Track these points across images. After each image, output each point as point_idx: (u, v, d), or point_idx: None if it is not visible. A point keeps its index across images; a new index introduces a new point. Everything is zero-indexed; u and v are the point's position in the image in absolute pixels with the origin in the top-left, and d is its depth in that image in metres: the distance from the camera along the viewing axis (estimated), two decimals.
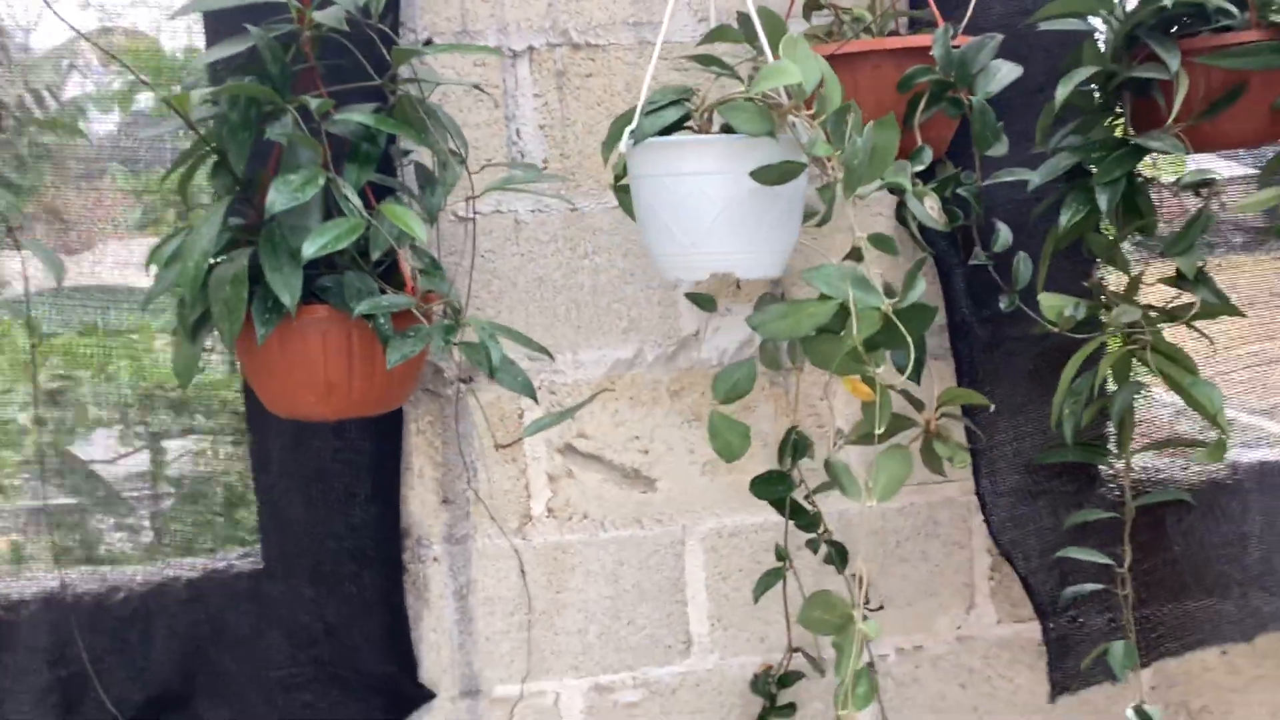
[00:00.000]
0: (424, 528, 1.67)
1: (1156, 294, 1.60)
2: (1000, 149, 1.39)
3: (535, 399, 1.43)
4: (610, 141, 1.32)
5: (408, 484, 1.66)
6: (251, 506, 1.72)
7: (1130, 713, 1.54)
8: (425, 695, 1.67)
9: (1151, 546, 1.70)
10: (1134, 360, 1.53)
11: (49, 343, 3.81)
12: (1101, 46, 1.47)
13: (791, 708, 1.73)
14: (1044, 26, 1.48)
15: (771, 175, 1.17)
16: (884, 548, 1.78)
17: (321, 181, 1.30)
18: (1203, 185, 1.48)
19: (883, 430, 1.23)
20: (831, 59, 1.32)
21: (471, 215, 1.61)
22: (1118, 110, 1.48)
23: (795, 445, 1.59)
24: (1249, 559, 1.73)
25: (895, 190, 1.30)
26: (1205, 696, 1.86)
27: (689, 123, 1.27)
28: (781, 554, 1.65)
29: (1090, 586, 1.59)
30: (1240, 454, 1.80)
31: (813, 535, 1.63)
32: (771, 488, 1.58)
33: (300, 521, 1.62)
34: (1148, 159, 1.49)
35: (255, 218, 1.39)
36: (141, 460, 2.12)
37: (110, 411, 3.67)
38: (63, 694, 1.59)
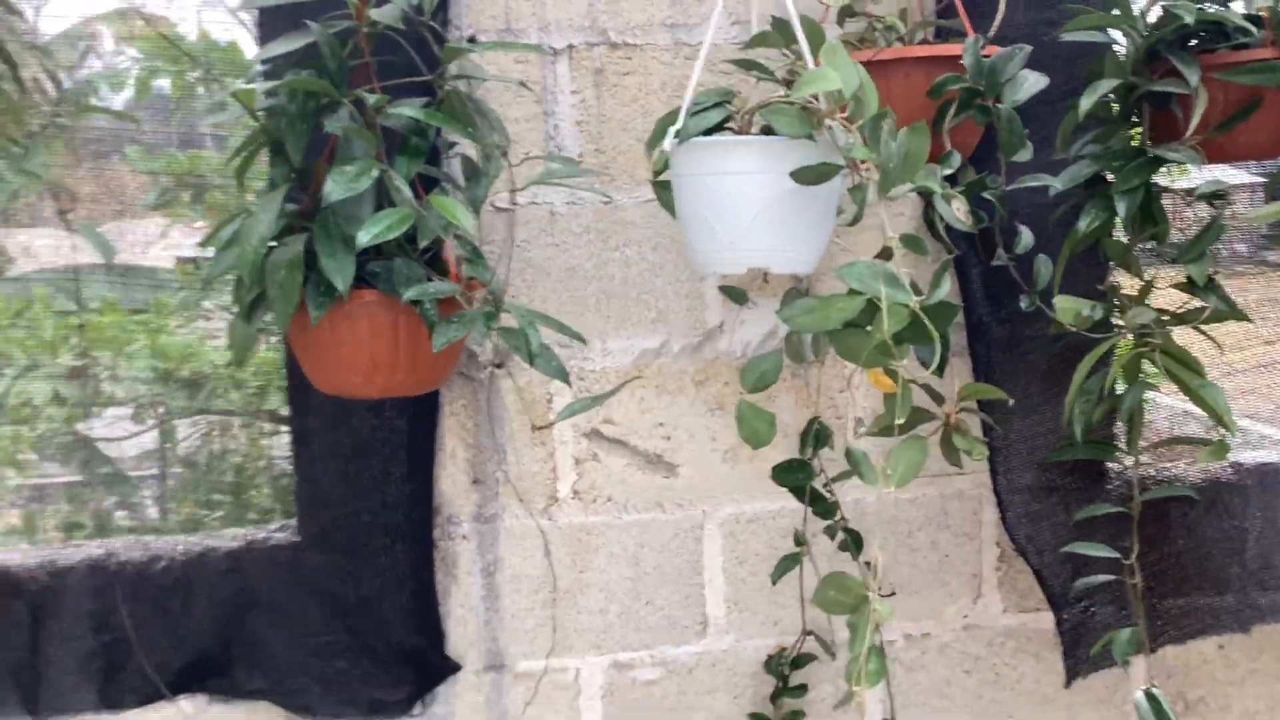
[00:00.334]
0: (454, 506, 1.74)
1: (1167, 299, 1.67)
2: (1025, 155, 1.46)
3: (569, 384, 1.49)
4: (654, 140, 1.38)
5: (440, 464, 1.73)
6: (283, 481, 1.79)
7: (1140, 695, 1.62)
8: (452, 667, 1.74)
9: (1157, 541, 1.77)
10: (1144, 362, 1.60)
11: (67, 321, 3.88)
12: (1122, 58, 1.54)
13: (803, 688, 1.80)
14: (1068, 38, 1.54)
15: (810, 176, 1.24)
16: (896, 537, 1.85)
17: (375, 173, 1.36)
18: (1216, 196, 1.55)
19: (903, 422, 1.30)
20: (865, 65, 1.38)
21: (510, 207, 1.68)
22: (1136, 121, 1.54)
23: (817, 435, 1.66)
24: (1248, 555, 1.80)
25: (924, 192, 1.36)
26: (1203, 688, 1.93)
27: (730, 124, 1.33)
28: (800, 539, 1.71)
29: (1101, 578, 1.66)
30: (1243, 455, 1.88)
31: (830, 522, 1.70)
32: (793, 475, 1.65)
33: (337, 497, 1.69)
34: (1162, 168, 1.56)
35: (310, 205, 1.45)
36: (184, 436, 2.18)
37: (132, 389, 3.74)
38: (105, 659, 1.66)
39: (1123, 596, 1.72)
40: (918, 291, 1.26)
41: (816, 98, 1.25)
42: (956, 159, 1.43)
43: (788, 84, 1.38)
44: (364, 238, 1.33)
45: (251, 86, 1.38)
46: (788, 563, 1.71)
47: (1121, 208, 1.50)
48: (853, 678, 1.35)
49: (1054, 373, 1.75)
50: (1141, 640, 1.61)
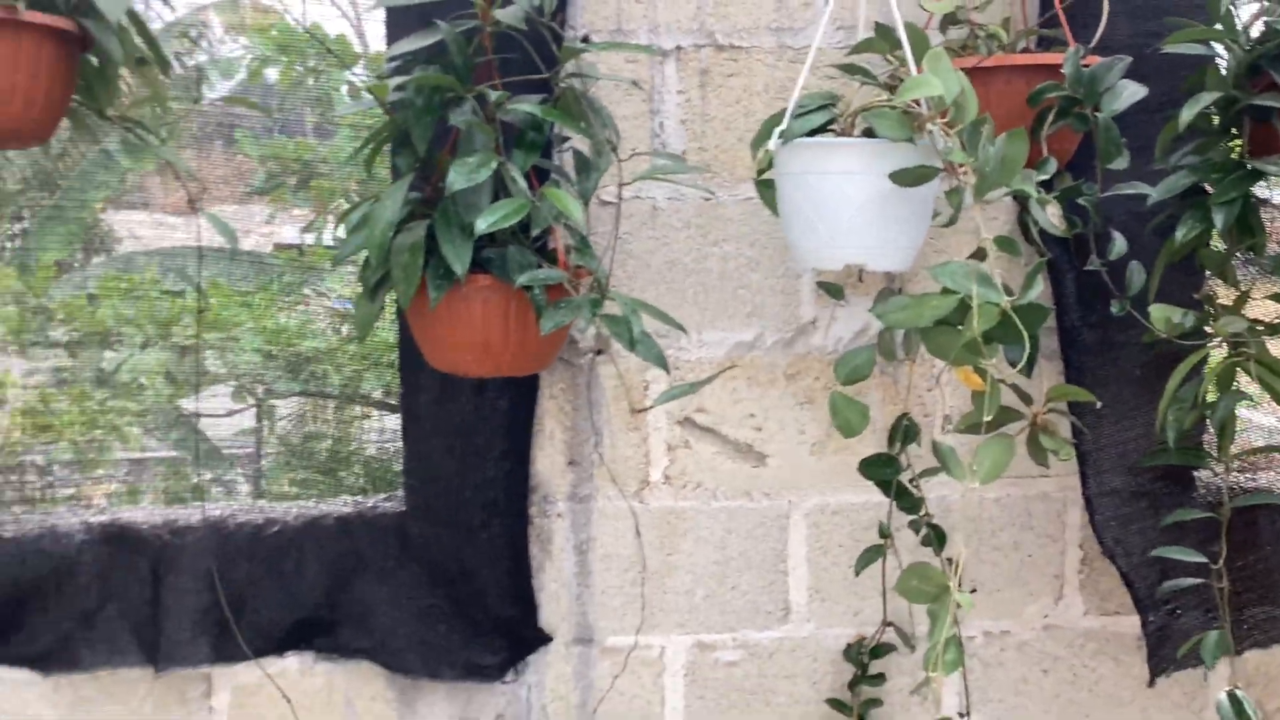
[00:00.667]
0: (551, 486, 1.84)
1: (1263, 309, 1.70)
2: (1121, 163, 1.50)
3: (668, 370, 1.58)
4: (759, 139, 1.46)
5: (538, 444, 1.83)
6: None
7: (1223, 696, 1.65)
8: (543, 639, 1.84)
9: (1244, 547, 1.80)
10: (1237, 370, 1.63)
11: (178, 301, 4.06)
12: (1223, 72, 1.57)
13: (881, 678, 1.87)
14: (1170, 49, 1.58)
15: (909, 178, 1.30)
16: (979, 535, 1.90)
17: (494, 165, 1.46)
18: None
19: (991, 419, 1.36)
20: (967, 71, 1.45)
21: (615, 200, 1.77)
22: (1235, 133, 1.58)
23: (905, 431, 1.72)
24: None
25: (1019, 196, 1.42)
26: None
27: (833, 126, 1.40)
28: (884, 532, 1.78)
29: (1189, 581, 1.70)
30: None
31: (914, 517, 1.75)
32: (880, 469, 1.71)
33: (441, 471, 1.80)
34: (1261, 181, 1.59)
35: (431, 193, 1.56)
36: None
37: (236, 369, 3.90)
38: (220, 615, 1.78)
39: (1208, 601, 1.75)
40: (1009, 293, 1.31)
41: (918, 102, 1.32)
42: (1053, 165, 1.48)
43: (890, 88, 1.44)
44: (482, 225, 1.43)
45: (384, 81, 1.49)
46: (871, 554, 1.78)
47: (1219, 219, 1.54)
48: (930, 664, 1.41)
49: (1146, 379, 1.79)
50: (1228, 643, 1.65)
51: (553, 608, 1.85)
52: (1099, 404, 1.73)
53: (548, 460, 1.83)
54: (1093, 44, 1.55)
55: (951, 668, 1.41)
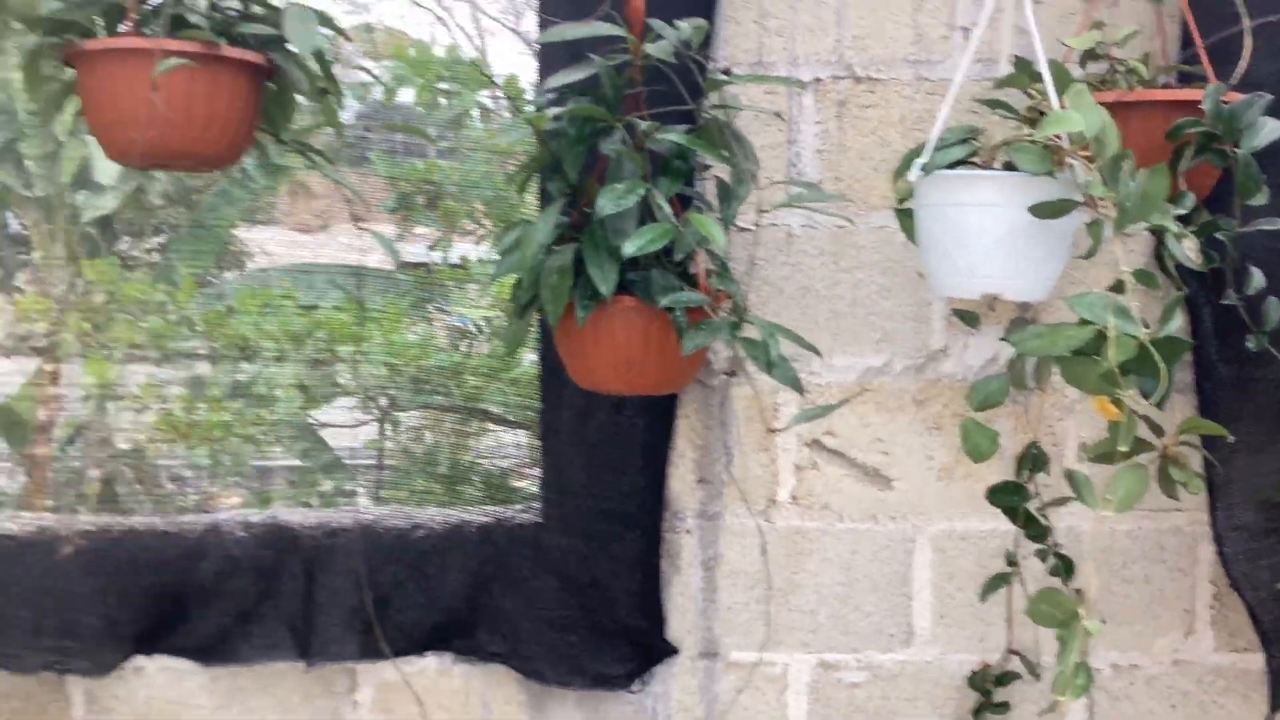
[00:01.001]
0: (681, 502, 1.92)
1: None
2: (1261, 199, 1.53)
3: (802, 393, 1.66)
4: (900, 170, 1.53)
5: (671, 462, 1.91)
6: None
7: None
8: (669, 650, 1.92)
9: None
10: None
11: (312, 315, 4.25)
12: None
13: (1005, 706, 1.90)
14: None
15: (1049, 211, 1.36)
16: (1109, 567, 1.92)
17: (641, 192, 1.56)
18: None
19: (1126, 449, 1.40)
20: (1105, 105, 1.49)
21: (755, 226, 1.85)
22: None
23: (1034, 459, 1.76)
24: None
25: (1156, 231, 1.46)
26: None
27: (974, 158, 1.47)
28: (1011, 560, 1.82)
29: None
30: None
31: (1041, 546, 1.79)
32: (1008, 497, 1.75)
33: (577, 485, 1.89)
34: None
35: (579, 218, 1.66)
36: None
37: (364, 382, 4.07)
38: (367, 614, 1.90)
39: None
40: (1146, 325, 1.36)
41: (1059, 137, 1.38)
42: (1190, 199, 1.52)
43: (1029, 121, 1.50)
44: (629, 249, 1.53)
45: (542, 112, 1.60)
46: (997, 581, 1.82)
47: None
48: (1058, 687, 1.45)
49: None
50: None
51: (679, 621, 1.93)
52: (1232, 438, 1.74)
53: (679, 477, 1.92)
54: (1233, 81, 1.58)
55: (1080, 692, 1.45)
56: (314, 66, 1.60)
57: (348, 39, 1.69)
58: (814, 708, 1.93)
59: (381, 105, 4.63)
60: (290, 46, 1.54)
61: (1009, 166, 1.43)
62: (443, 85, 4.59)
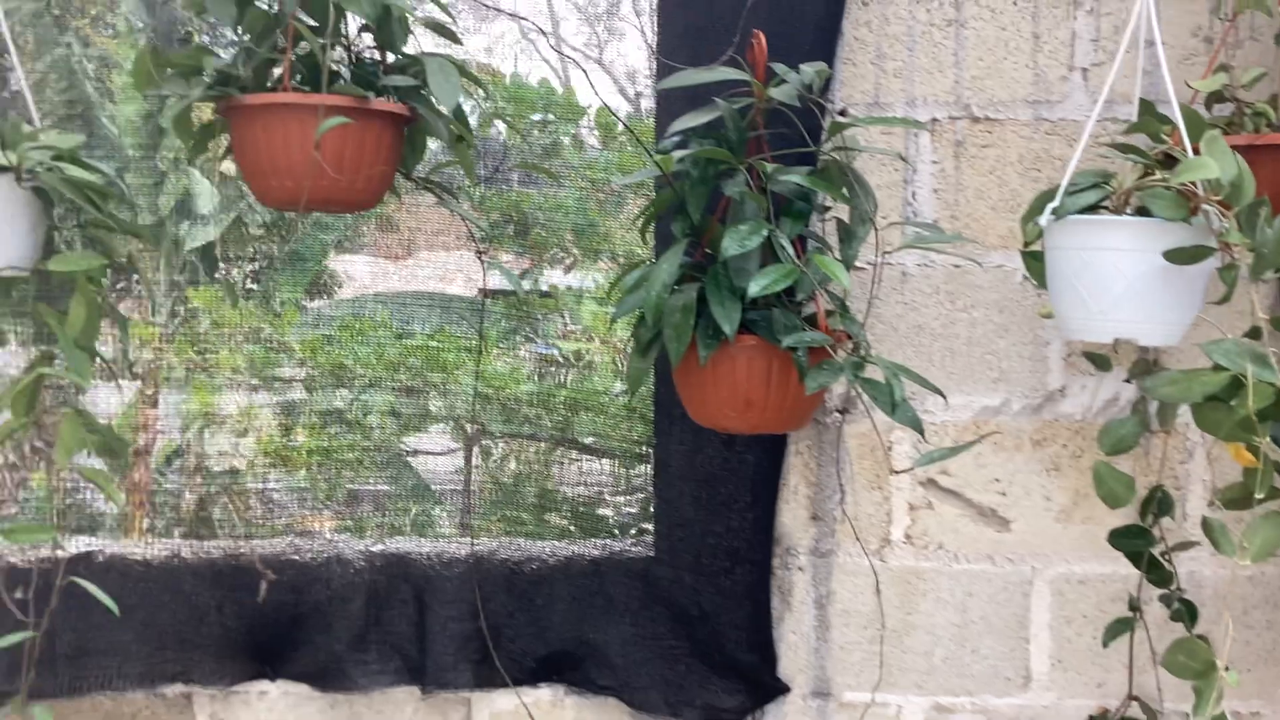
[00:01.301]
0: (793, 539, 1.94)
1: None
2: None
3: (923, 434, 1.67)
4: (1030, 214, 1.55)
5: (783, 498, 1.94)
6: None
7: None
8: (781, 688, 1.94)
9: None
10: None
11: (405, 343, 4.36)
12: None
13: None
14: None
15: (1183, 256, 1.37)
16: (1231, 613, 1.90)
17: (765, 232, 1.60)
18: None
19: (1262, 495, 1.40)
20: (1234, 149, 1.50)
21: (870, 264, 1.87)
22: None
23: (1160, 503, 1.75)
24: None
25: None
26: None
27: (1105, 203, 1.48)
28: (1134, 604, 1.81)
29: None
30: None
31: (1165, 591, 1.78)
32: (1132, 541, 1.75)
33: (688, 518, 1.93)
34: None
35: (701, 257, 1.70)
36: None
37: (454, 410, 4.15)
38: (481, 642, 1.95)
39: None
40: None
41: (1194, 183, 1.38)
42: None
43: (1160, 165, 1.51)
44: (754, 289, 1.57)
45: (668, 154, 1.64)
46: (1119, 626, 1.81)
47: None
48: None
49: None
50: None
51: (791, 659, 1.94)
52: None
53: (791, 514, 1.94)
54: None
55: None
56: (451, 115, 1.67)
57: (483, 90, 1.75)
58: None
59: (480, 137, 4.74)
60: (428, 94, 1.60)
61: (1141, 211, 1.44)
62: (535, 117, 4.69)
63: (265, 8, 1.68)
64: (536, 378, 4.59)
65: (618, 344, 4.25)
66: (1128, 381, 1.80)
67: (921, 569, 1.93)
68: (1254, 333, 1.39)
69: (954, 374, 1.92)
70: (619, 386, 4.02)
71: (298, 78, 1.63)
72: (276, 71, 1.66)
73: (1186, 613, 1.78)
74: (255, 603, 1.93)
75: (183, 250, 4.90)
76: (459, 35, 1.79)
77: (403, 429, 4.39)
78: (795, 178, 1.65)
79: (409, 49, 1.70)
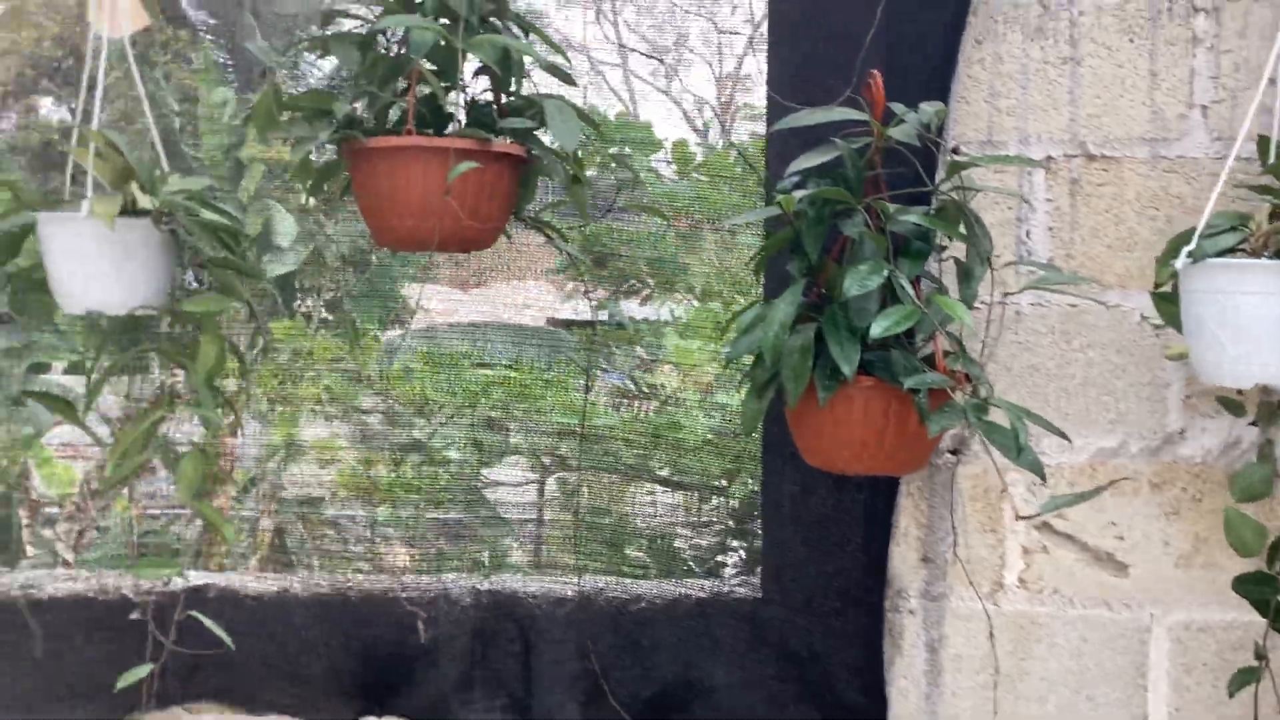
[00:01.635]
0: (903, 581, 1.93)
1: None
2: None
3: (1044, 479, 1.65)
4: (1166, 256, 1.54)
5: (894, 540, 1.93)
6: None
7: None
8: None
9: None
10: None
11: (485, 375, 4.40)
12: None
13: None
14: None
15: None
16: None
17: (885, 273, 1.60)
18: None
19: None
20: None
21: (983, 304, 1.87)
22: None
23: None
24: None
25: None
26: None
27: (1243, 245, 1.47)
28: (1260, 653, 1.77)
29: None
30: None
31: None
32: (1258, 588, 1.72)
33: (798, 560, 1.93)
34: None
35: (816, 297, 1.71)
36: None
37: (533, 442, 4.17)
38: (586, 683, 1.96)
39: None
40: None
41: None
42: None
43: None
44: (876, 330, 1.57)
45: (789, 194, 1.66)
46: (1245, 676, 1.77)
47: None
48: None
49: None
50: None
51: (901, 704, 1.93)
52: None
53: (901, 556, 1.93)
54: None
55: None
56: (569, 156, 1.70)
57: (598, 130, 1.78)
58: None
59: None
60: (543, 136, 1.63)
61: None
62: (612, 150, 4.73)
63: (386, 53, 1.73)
64: (619, 410, 4.61)
65: (701, 377, 4.26)
66: (1253, 425, 1.77)
67: (1036, 614, 1.91)
68: None
69: (1069, 415, 1.90)
70: (703, 420, 4.02)
71: (415, 122, 1.66)
72: (393, 114, 1.71)
73: None
74: (362, 638, 1.96)
75: (262, 281, 4.99)
76: (573, 77, 1.82)
77: (481, 461, 4.43)
78: (914, 217, 1.65)
79: (523, 90, 1.74)
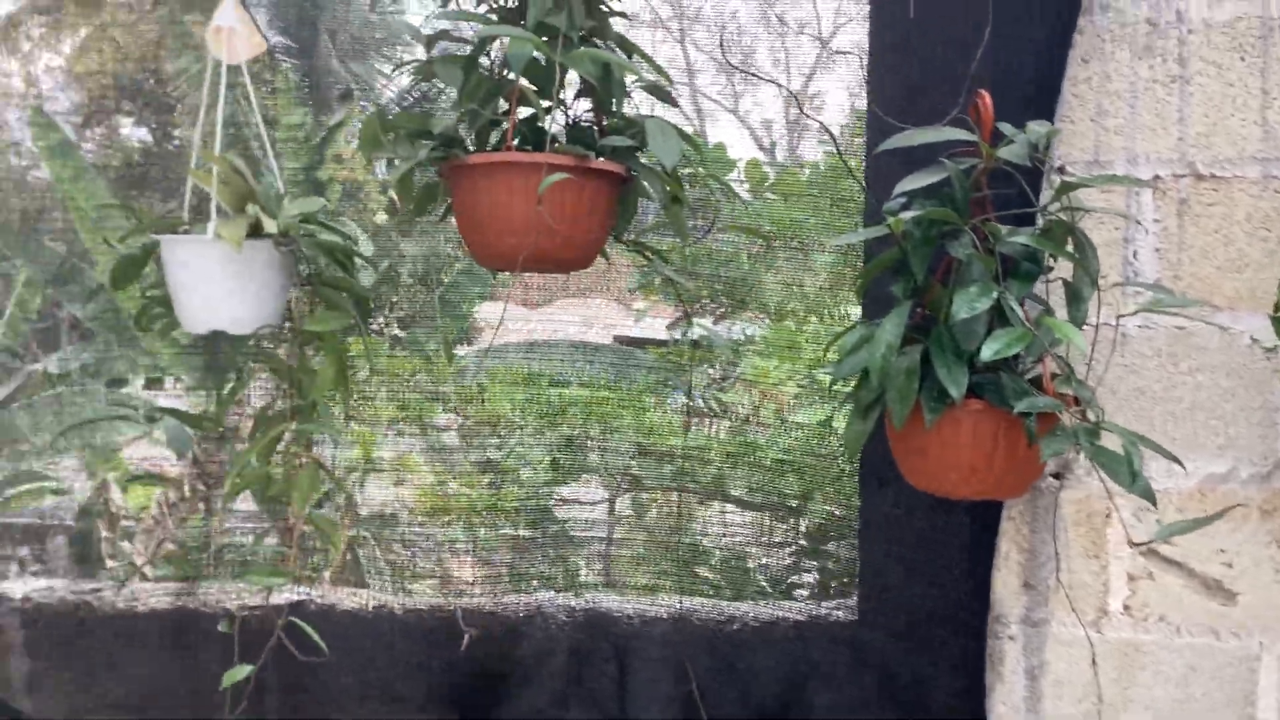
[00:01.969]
0: (1004, 606, 1.91)
1: None
2: None
3: (1155, 505, 1.63)
4: None
5: (995, 565, 1.91)
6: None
7: None
8: None
9: None
10: None
11: (562, 394, 4.41)
12: None
13: None
14: None
15: None
16: None
17: (995, 295, 1.59)
18: None
19: None
20: None
21: (1089, 326, 1.85)
22: None
23: None
24: None
25: None
26: None
27: None
28: None
29: None
30: None
31: None
32: None
33: (897, 583, 1.92)
34: None
35: (921, 319, 1.70)
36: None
37: (610, 461, 4.18)
38: (680, 703, 1.96)
39: None
40: None
41: None
42: None
43: None
44: (987, 353, 1.56)
45: (898, 216, 1.65)
46: None
47: None
48: None
49: None
50: None
51: None
52: None
53: (1002, 581, 1.91)
54: None
55: None
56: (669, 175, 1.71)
57: (699, 150, 1.79)
58: None
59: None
60: (643, 158, 1.65)
61: None
62: (686, 171, 4.74)
63: (488, 74, 1.75)
64: (696, 430, 4.61)
65: (780, 396, 4.25)
66: None
67: (1140, 641, 1.88)
68: None
69: (1177, 439, 1.87)
70: (780, 439, 4.01)
71: (516, 140, 1.68)
72: (494, 136, 1.73)
73: None
74: (459, 656, 1.98)
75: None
76: (674, 96, 1.83)
77: (555, 479, 4.44)
78: (1024, 239, 1.64)
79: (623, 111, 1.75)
